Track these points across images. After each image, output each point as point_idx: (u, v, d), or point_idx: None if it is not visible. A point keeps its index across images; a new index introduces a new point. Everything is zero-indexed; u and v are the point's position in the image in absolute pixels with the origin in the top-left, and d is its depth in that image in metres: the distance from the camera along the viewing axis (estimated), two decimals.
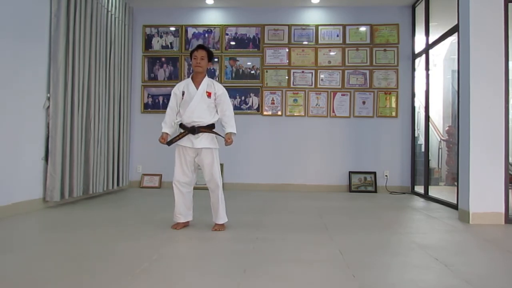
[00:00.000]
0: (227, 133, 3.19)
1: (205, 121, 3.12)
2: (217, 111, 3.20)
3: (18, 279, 2.02)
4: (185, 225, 3.26)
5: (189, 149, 3.14)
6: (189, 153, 3.15)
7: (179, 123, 3.19)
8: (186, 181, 3.18)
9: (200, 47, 3.20)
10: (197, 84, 3.15)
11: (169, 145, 3.22)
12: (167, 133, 3.20)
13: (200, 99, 3.11)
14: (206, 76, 3.22)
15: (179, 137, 3.14)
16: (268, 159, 6.06)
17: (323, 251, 2.63)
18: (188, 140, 3.12)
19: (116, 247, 2.66)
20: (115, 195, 5.25)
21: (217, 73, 6.13)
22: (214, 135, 3.17)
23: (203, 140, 3.11)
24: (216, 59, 6.11)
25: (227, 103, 3.22)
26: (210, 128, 3.14)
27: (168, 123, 3.21)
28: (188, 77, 3.30)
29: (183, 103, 3.17)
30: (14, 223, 3.36)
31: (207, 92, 3.14)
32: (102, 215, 3.88)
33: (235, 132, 3.21)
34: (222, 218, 3.19)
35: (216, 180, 3.15)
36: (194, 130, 3.09)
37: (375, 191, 5.88)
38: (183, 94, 3.16)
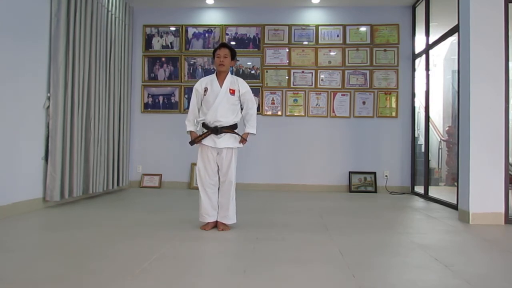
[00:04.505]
0: (245, 133, 3.19)
1: (229, 120, 3.10)
2: (241, 110, 3.21)
3: (18, 279, 2.02)
4: (214, 225, 3.19)
5: (211, 148, 3.12)
6: (212, 152, 3.13)
7: (201, 122, 3.15)
8: (211, 181, 3.15)
9: (223, 45, 3.17)
10: (221, 81, 3.14)
11: (191, 145, 3.21)
12: (194, 131, 3.19)
13: (223, 97, 3.09)
14: (230, 74, 3.20)
15: (202, 137, 3.12)
16: (268, 159, 6.06)
17: (323, 251, 2.63)
18: (211, 140, 3.10)
19: (116, 247, 2.66)
20: (115, 195, 5.25)
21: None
22: (236, 136, 3.16)
23: (225, 140, 3.10)
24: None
25: (252, 101, 3.22)
26: (232, 128, 3.14)
27: (191, 121, 3.20)
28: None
29: (205, 101, 3.14)
30: (14, 223, 3.36)
31: (230, 89, 3.12)
32: (102, 215, 3.88)
33: (255, 133, 3.21)
34: (231, 219, 3.18)
35: (231, 180, 3.14)
36: (217, 130, 3.07)
37: (375, 191, 5.88)
38: (205, 91, 3.13)
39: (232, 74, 3.30)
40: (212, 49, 3.39)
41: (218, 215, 3.19)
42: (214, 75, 3.20)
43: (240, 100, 3.20)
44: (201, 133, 3.17)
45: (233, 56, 3.20)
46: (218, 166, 3.18)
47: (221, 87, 3.11)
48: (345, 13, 6.10)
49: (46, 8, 4.13)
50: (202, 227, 3.18)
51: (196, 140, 3.14)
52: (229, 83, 3.14)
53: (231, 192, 3.16)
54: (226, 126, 3.10)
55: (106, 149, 5.21)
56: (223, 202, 3.17)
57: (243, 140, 3.17)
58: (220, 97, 3.08)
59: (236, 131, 3.17)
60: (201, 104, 3.19)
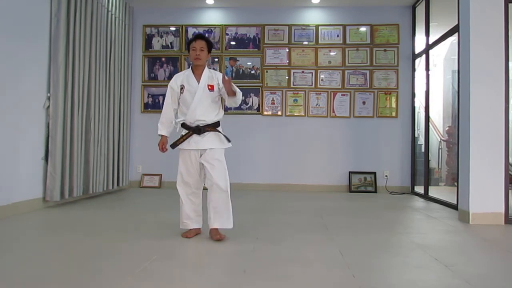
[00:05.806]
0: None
1: (210, 118, 2.85)
2: (221, 107, 2.98)
3: (18, 279, 2.02)
4: (197, 232, 2.92)
5: (194, 150, 2.85)
6: (195, 154, 2.86)
7: (181, 122, 2.89)
8: (192, 182, 2.88)
9: (199, 37, 2.90)
10: (197, 77, 2.88)
11: (173, 148, 2.91)
12: (165, 136, 2.92)
13: (202, 95, 2.83)
14: (206, 68, 2.93)
15: (184, 139, 2.85)
16: (268, 159, 6.06)
17: (323, 251, 2.63)
18: (192, 142, 2.83)
19: (116, 247, 2.66)
20: (115, 195, 5.25)
21: None
22: (221, 134, 2.90)
23: (209, 140, 2.84)
24: (216, 59, 6.13)
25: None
26: (215, 126, 2.88)
27: (165, 123, 2.92)
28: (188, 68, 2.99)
29: (183, 100, 2.88)
30: (14, 223, 3.36)
31: (209, 85, 2.86)
32: (102, 215, 3.87)
33: (239, 91, 2.86)
34: (227, 224, 2.84)
35: (225, 182, 2.83)
36: (199, 130, 2.82)
37: (375, 191, 5.87)
38: (182, 88, 2.88)
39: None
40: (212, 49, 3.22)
41: (212, 221, 2.83)
42: (189, 70, 2.93)
43: (220, 94, 2.93)
44: (182, 134, 2.90)
45: (210, 49, 2.94)
46: (203, 167, 2.88)
47: (198, 83, 2.85)
48: (345, 13, 6.10)
49: (46, 8, 4.13)
50: (184, 234, 2.88)
51: (177, 142, 2.86)
52: (207, 78, 2.87)
53: (227, 194, 2.84)
54: (209, 124, 2.85)
55: (106, 149, 5.21)
56: (218, 207, 2.82)
57: (226, 79, 2.78)
58: (199, 95, 2.82)
59: (219, 129, 2.91)
60: (179, 104, 2.93)
